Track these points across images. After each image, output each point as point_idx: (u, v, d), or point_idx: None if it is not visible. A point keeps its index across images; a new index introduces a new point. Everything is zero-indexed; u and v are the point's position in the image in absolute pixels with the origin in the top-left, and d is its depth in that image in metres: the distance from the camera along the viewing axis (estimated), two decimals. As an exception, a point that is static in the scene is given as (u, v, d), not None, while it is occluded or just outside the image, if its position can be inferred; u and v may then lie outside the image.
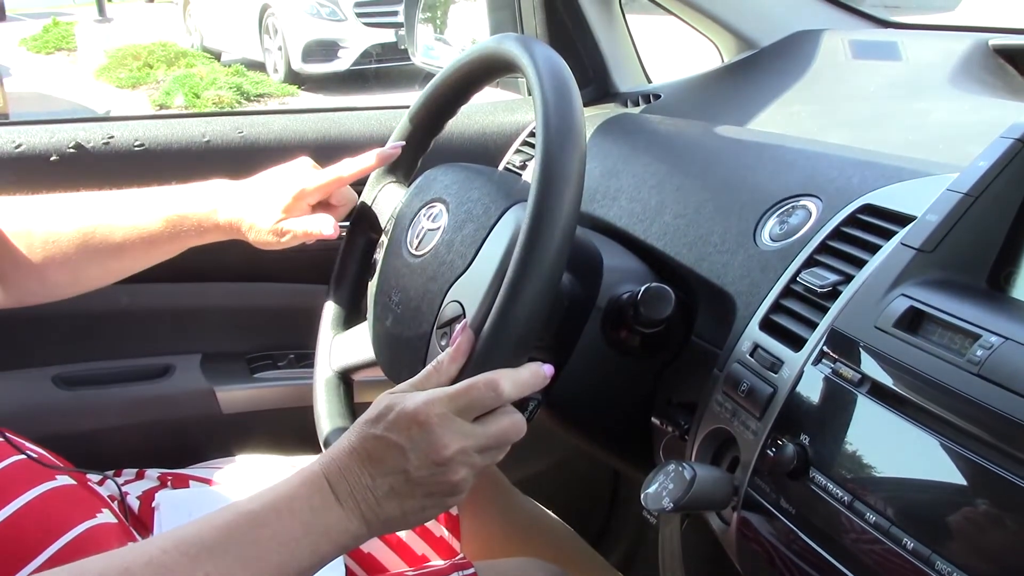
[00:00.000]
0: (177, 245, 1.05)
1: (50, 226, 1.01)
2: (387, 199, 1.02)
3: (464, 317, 0.80)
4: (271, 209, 1.00)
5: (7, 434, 0.89)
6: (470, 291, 0.82)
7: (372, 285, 0.96)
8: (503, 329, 0.73)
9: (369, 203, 1.04)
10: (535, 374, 0.74)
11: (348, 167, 1.01)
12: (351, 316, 1.04)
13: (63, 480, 0.89)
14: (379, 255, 0.97)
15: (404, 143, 1.02)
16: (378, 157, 1.01)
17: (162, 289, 1.40)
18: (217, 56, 10.35)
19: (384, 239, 0.97)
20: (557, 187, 0.72)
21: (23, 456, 0.87)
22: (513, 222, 0.82)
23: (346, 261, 1.05)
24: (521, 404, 0.75)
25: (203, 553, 0.66)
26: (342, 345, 1.02)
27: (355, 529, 0.71)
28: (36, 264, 1.00)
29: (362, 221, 1.05)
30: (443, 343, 0.83)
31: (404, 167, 1.04)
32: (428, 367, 0.76)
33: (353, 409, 0.99)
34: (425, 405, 0.71)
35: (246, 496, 0.72)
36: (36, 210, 1.03)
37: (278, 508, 0.70)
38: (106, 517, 0.89)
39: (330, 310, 1.04)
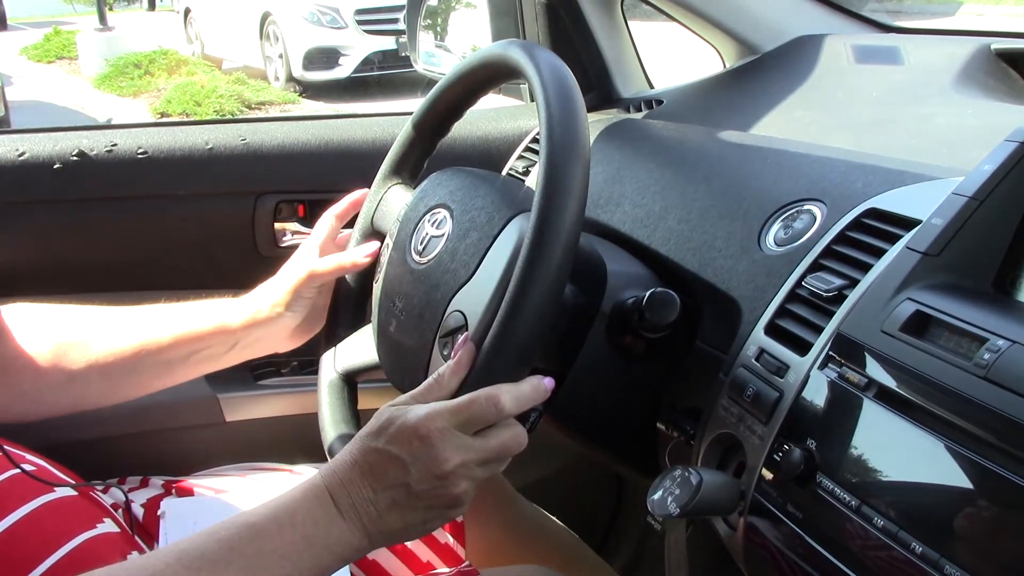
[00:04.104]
0: (224, 355, 1.04)
1: (110, 339, 0.99)
2: (392, 201, 1.02)
3: (466, 328, 0.80)
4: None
5: (6, 447, 0.88)
6: (473, 302, 0.82)
7: (377, 288, 0.96)
8: (505, 344, 0.73)
9: (375, 204, 1.04)
10: (536, 388, 0.75)
11: (350, 257, 1.02)
12: (356, 318, 1.04)
13: (62, 492, 0.89)
14: (384, 257, 0.97)
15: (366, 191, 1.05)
16: (368, 254, 1.01)
17: (164, 296, 1.40)
18: (218, 64, 10.37)
19: (389, 241, 0.97)
20: (560, 199, 0.72)
21: (18, 470, 0.87)
22: (517, 233, 0.82)
23: None
24: (522, 415, 0.75)
25: (206, 566, 0.67)
26: (347, 347, 1.02)
27: (357, 542, 0.71)
28: (79, 376, 0.98)
29: (367, 222, 1.05)
30: (445, 352, 0.83)
31: (410, 169, 1.04)
32: (429, 380, 0.76)
33: (357, 414, 0.99)
34: (426, 419, 0.71)
35: (251, 504, 0.73)
36: (92, 321, 1.01)
37: (280, 520, 0.70)
38: (108, 527, 0.89)
39: (335, 311, 1.04)
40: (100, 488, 1.01)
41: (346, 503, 0.71)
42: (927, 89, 1.11)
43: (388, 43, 8.60)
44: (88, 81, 10.23)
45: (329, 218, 1.05)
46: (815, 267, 0.78)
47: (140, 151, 1.36)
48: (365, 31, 8.74)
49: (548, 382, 0.76)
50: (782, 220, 0.86)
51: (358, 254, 1.01)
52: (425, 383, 0.76)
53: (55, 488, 0.89)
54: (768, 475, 0.72)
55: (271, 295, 1.02)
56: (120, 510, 0.99)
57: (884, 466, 0.63)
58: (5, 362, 0.96)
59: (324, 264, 1.01)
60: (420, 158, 1.05)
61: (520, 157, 1.38)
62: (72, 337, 0.98)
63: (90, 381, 0.99)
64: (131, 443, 1.35)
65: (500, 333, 0.73)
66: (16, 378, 0.96)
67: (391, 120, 1.48)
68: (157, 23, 14.66)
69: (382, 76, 8.81)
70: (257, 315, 1.01)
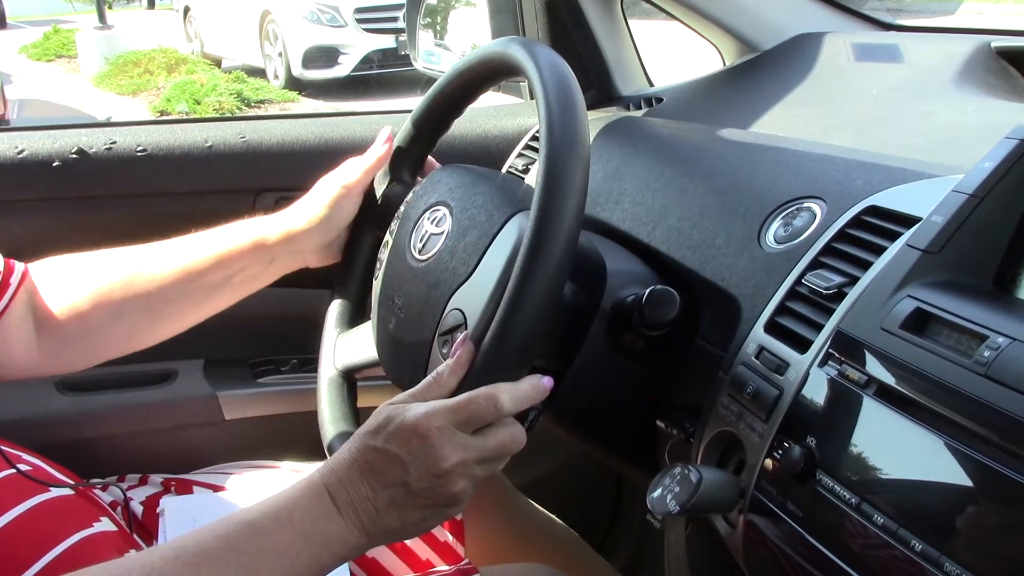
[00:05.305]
0: (262, 273, 1.04)
1: (152, 268, 1.00)
2: (393, 198, 1.02)
3: (465, 327, 0.80)
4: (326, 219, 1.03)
5: (3, 447, 0.88)
6: (472, 300, 0.82)
7: (376, 285, 0.96)
8: (503, 343, 0.73)
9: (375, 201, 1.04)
10: (535, 387, 0.75)
11: (365, 161, 1.03)
12: (356, 315, 1.04)
13: (58, 491, 0.89)
14: (383, 255, 0.97)
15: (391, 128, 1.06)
16: (384, 141, 1.04)
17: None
18: (217, 62, 10.37)
19: (389, 238, 0.97)
20: (560, 197, 0.72)
21: (13, 471, 0.87)
22: (516, 231, 0.82)
23: (352, 259, 1.05)
24: (521, 414, 0.75)
25: (204, 563, 0.66)
26: (346, 343, 1.02)
27: (355, 540, 0.71)
28: (125, 310, 0.99)
29: (367, 218, 1.05)
30: (444, 351, 0.83)
31: (409, 166, 1.04)
32: (428, 378, 0.76)
33: (356, 412, 0.99)
34: (425, 418, 0.71)
35: (250, 502, 0.73)
36: (132, 257, 1.02)
37: (278, 518, 0.70)
38: (105, 525, 0.89)
39: (335, 308, 1.04)
40: (99, 486, 1.01)
41: (344, 501, 0.71)
42: (927, 87, 1.11)
43: (388, 41, 8.60)
44: (87, 79, 10.23)
45: (361, 167, 1.06)
46: (815, 265, 0.77)
47: (139, 149, 1.35)
48: (365, 29, 8.74)
49: (547, 381, 0.76)
50: (782, 218, 0.85)
51: (378, 149, 1.04)
52: (424, 381, 0.76)
53: (50, 488, 0.89)
54: (768, 473, 0.71)
55: (304, 210, 1.03)
56: (119, 508, 0.99)
57: (884, 464, 0.63)
58: (44, 315, 0.97)
59: (353, 174, 1.03)
60: (420, 156, 1.05)
61: (520, 155, 1.38)
62: (114, 275, 0.99)
63: (136, 315, 1.00)
64: (130, 441, 1.35)
65: (499, 332, 0.73)
66: (61, 327, 0.97)
67: (391, 118, 1.48)
68: (156, 21, 14.67)
69: (382, 74, 8.80)
70: (292, 228, 1.02)
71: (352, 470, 0.72)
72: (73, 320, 0.97)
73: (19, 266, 0.98)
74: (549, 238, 0.71)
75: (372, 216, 1.04)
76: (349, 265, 1.05)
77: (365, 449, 0.72)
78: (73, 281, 0.98)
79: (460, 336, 0.78)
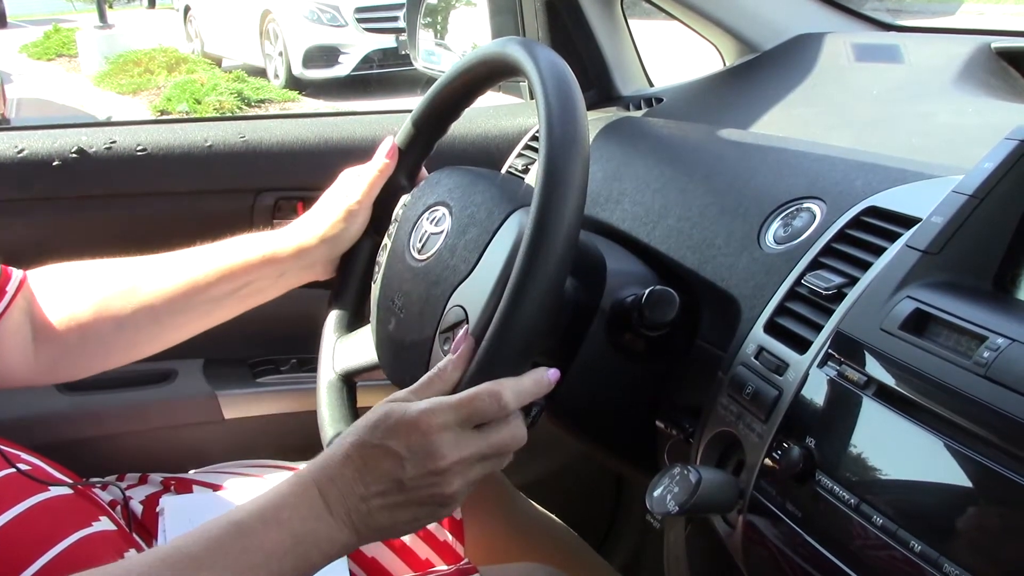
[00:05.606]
0: (271, 287, 1.03)
1: (157, 281, 0.99)
2: (390, 201, 1.02)
3: (467, 323, 0.80)
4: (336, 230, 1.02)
5: (2, 447, 0.88)
6: (473, 296, 0.82)
7: (375, 288, 0.96)
8: (505, 337, 0.72)
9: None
10: (538, 381, 0.74)
11: (370, 173, 1.02)
12: (355, 319, 1.04)
13: (57, 491, 0.89)
14: (382, 258, 0.97)
15: (394, 136, 1.04)
16: (387, 155, 1.02)
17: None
18: (218, 62, 10.37)
19: (387, 241, 0.97)
20: (560, 194, 0.72)
21: (13, 470, 0.87)
22: (516, 227, 0.82)
23: (349, 263, 1.05)
24: (524, 409, 0.75)
25: (191, 566, 0.66)
26: (345, 348, 1.02)
27: (345, 539, 0.71)
28: (127, 322, 0.98)
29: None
30: (446, 348, 0.82)
31: (407, 169, 1.04)
32: (429, 374, 0.75)
33: (356, 413, 0.99)
34: (426, 413, 0.70)
35: (249, 501, 0.72)
36: (137, 267, 1.00)
37: (266, 518, 0.69)
38: (104, 525, 0.89)
39: (334, 312, 1.04)
40: (98, 486, 1.01)
41: (335, 499, 0.70)
42: (927, 87, 1.11)
43: (388, 41, 8.60)
44: (88, 78, 10.23)
45: (367, 180, 1.04)
46: (815, 265, 0.77)
47: (139, 148, 1.36)
48: (365, 29, 8.74)
49: (552, 374, 0.75)
50: (782, 218, 0.85)
51: (381, 161, 1.02)
52: (425, 377, 0.75)
53: (49, 487, 0.88)
54: (767, 473, 0.71)
55: (315, 225, 1.02)
56: (118, 507, 0.99)
57: (883, 464, 0.63)
58: (42, 324, 0.96)
59: (360, 187, 1.01)
60: (419, 156, 1.05)
61: (519, 155, 1.38)
62: (117, 286, 0.98)
63: (139, 326, 0.98)
64: (130, 441, 1.35)
65: (501, 326, 0.72)
66: (59, 336, 0.96)
67: (390, 118, 1.48)
68: (157, 21, 14.66)
69: (382, 74, 8.80)
70: (305, 243, 1.01)
71: (345, 467, 0.71)
72: (72, 330, 0.96)
73: (17, 273, 0.97)
74: (550, 232, 0.71)
75: (370, 220, 1.04)
76: (347, 270, 1.05)
77: (360, 445, 0.71)
78: (74, 290, 0.98)
79: (461, 332, 0.78)
